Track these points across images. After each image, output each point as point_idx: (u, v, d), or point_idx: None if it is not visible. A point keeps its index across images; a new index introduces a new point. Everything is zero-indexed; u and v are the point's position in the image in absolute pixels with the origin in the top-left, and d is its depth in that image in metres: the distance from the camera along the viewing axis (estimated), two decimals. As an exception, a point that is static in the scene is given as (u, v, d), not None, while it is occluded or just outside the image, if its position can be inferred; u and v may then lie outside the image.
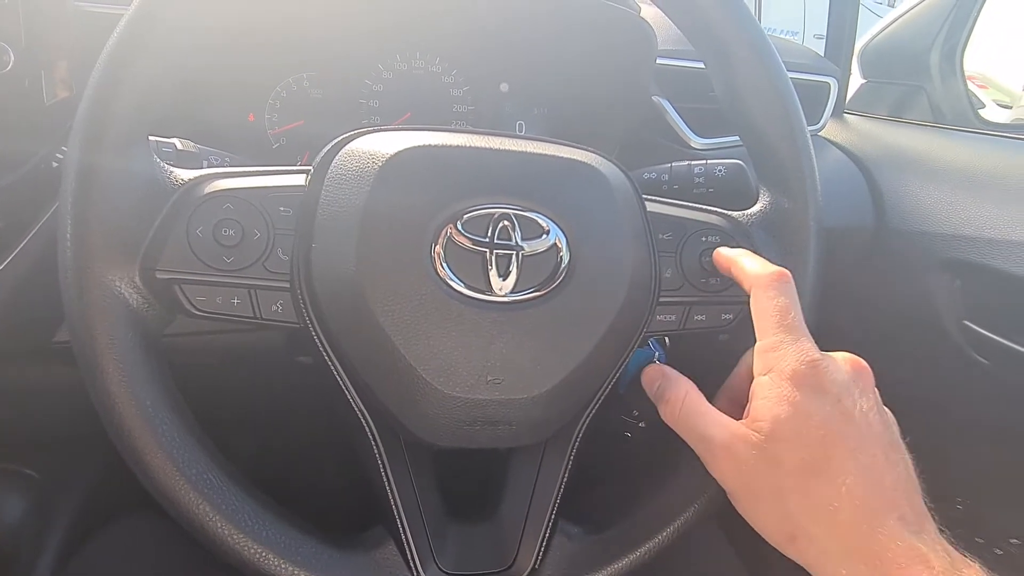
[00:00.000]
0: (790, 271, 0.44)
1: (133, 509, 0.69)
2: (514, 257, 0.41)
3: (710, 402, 0.45)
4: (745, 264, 0.46)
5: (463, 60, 0.78)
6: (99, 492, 0.75)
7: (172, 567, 0.68)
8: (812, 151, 0.51)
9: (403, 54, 0.76)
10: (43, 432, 0.72)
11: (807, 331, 0.43)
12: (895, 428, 0.42)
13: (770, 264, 0.45)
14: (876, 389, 0.43)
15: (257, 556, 0.40)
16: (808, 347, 0.41)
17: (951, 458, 0.79)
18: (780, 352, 0.41)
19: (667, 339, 0.67)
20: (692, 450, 0.48)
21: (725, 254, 0.48)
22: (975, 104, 0.99)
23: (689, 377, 0.46)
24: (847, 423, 0.39)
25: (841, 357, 0.43)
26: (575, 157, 0.45)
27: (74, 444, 0.73)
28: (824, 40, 0.98)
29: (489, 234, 0.41)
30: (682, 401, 0.44)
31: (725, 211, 0.52)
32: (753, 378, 0.43)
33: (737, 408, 0.43)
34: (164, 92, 0.41)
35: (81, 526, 0.72)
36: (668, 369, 0.47)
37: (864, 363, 0.43)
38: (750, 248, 0.50)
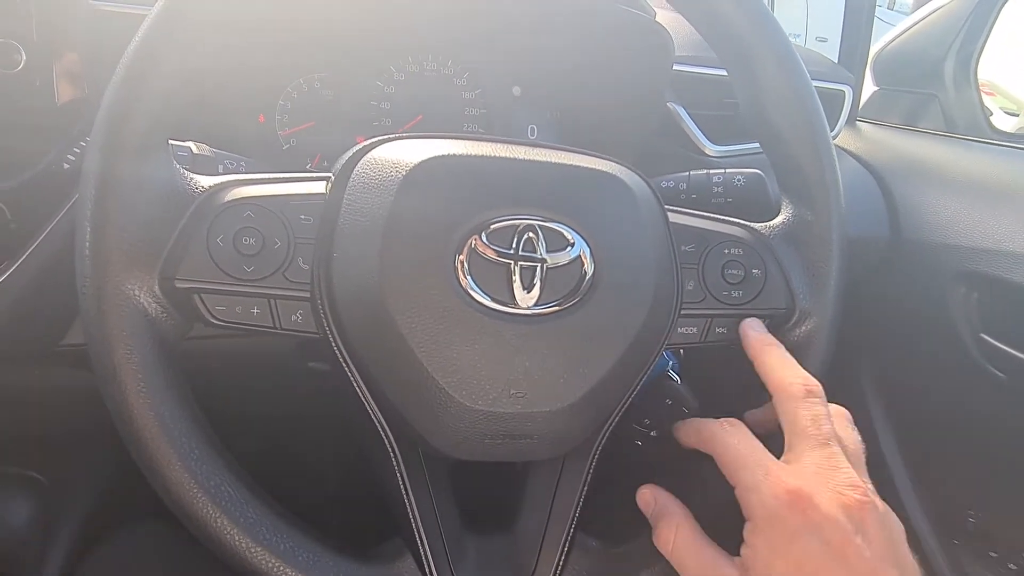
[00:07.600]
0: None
1: (141, 516, 0.69)
2: (538, 269, 0.40)
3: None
4: (772, 365, 0.45)
5: (475, 63, 0.77)
6: (106, 498, 0.74)
7: (182, 576, 0.67)
8: (836, 163, 0.50)
9: (415, 56, 0.75)
10: (50, 436, 0.71)
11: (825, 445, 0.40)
12: (900, 545, 0.39)
13: (800, 371, 0.44)
14: (873, 509, 0.39)
15: (275, 570, 0.39)
16: (793, 479, 0.39)
17: (965, 471, 0.79)
18: (760, 493, 0.39)
19: (681, 349, 0.67)
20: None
21: (752, 339, 0.47)
22: (987, 113, 0.99)
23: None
24: (842, 565, 0.36)
25: (835, 488, 0.38)
26: (601, 168, 0.45)
27: (82, 448, 0.72)
28: (825, 43, 0.98)
29: (514, 246, 0.40)
30: (674, 536, 0.43)
31: (747, 223, 0.51)
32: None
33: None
34: (184, 96, 0.40)
35: (88, 532, 0.71)
36: (661, 494, 0.46)
37: (857, 484, 0.39)
38: (773, 261, 0.49)
